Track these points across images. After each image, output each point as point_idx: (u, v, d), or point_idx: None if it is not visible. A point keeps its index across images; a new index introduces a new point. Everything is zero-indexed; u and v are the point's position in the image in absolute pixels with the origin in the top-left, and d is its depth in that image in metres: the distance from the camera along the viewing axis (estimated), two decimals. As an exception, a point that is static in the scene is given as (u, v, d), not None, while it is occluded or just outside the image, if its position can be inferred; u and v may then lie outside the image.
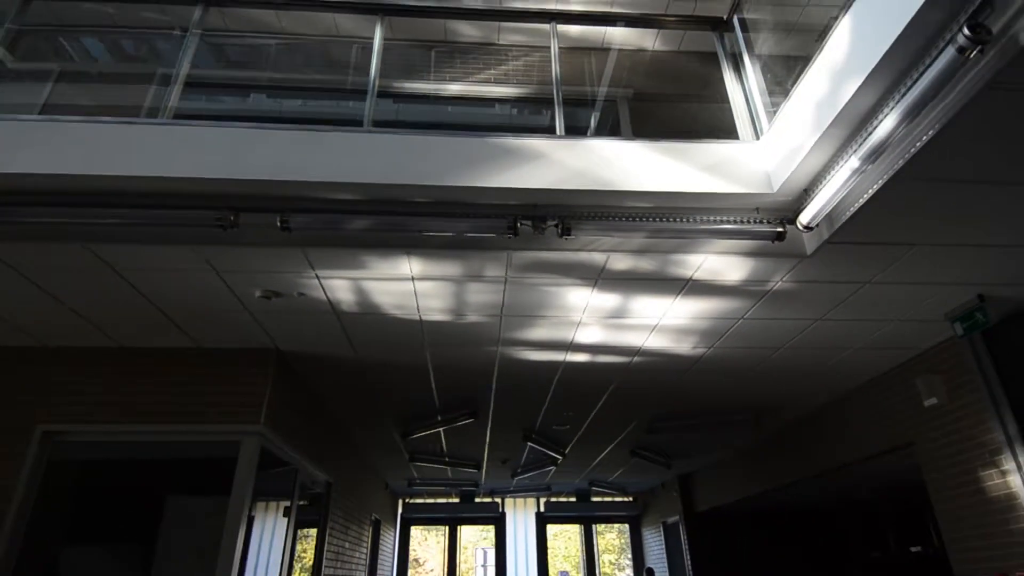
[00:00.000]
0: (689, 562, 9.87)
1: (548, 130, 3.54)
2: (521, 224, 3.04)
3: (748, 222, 3.17)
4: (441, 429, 6.64)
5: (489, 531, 12.89)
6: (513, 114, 4.36)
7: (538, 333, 4.32)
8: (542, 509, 12.88)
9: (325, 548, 6.17)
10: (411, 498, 12.43)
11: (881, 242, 3.16)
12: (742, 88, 3.54)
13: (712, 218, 3.15)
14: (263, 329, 4.12)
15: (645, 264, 3.39)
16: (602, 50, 4.37)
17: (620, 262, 3.36)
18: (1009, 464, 3.87)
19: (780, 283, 3.60)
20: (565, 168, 3.13)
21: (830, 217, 3.05)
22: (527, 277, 3.51)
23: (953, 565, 4.32)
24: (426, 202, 3.11)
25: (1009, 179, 2.69)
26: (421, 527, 13.61)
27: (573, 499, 12.75)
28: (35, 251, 3.13)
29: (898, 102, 2.33)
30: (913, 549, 8.12)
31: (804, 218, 3.05)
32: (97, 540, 4.10)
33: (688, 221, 3.12)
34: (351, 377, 5.10)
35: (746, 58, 3.56)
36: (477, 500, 12.37)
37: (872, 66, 2.32)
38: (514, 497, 12.77)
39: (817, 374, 5.23)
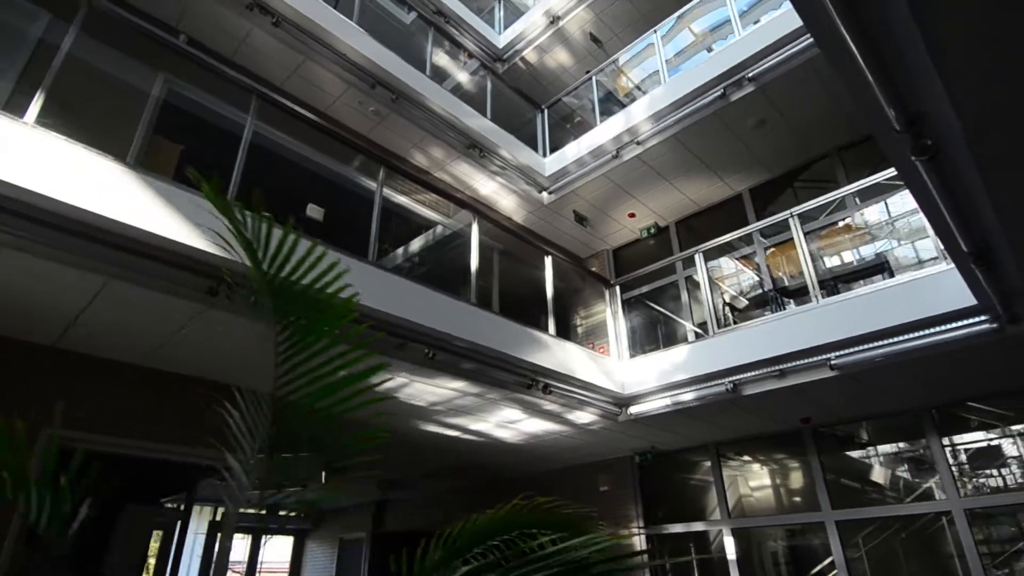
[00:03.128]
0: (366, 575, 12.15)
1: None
2: (532, 382, 5.52)
3: (607, 403, 6.37)
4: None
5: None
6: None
7: (456, 420, 6.52)
8: (217, 518, 13.11)
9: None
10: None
11: (647, 424, 6.78)
12: (615, 329, 6.85)
13: (596, 396, 6.24)
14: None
15: (556, 408, 6.20)
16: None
17: (549, 406, 6.09)
18: (635, 527, 7.97)
19: (596, 427, 6.89)
20: (554, 356, 5.77)
21: (640, 413, 6.50)
22: (500, 400, 5.87)
23: (593, 576, 8.20)
24: (491, 356, 5.26)
25: (699, 418, 6.60)
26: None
27: (264, 512, 13.43)
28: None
29: (694, 392, 5.92)
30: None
31: (632, 411, 6.44)
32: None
33: (589, 397, 6.13)
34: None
35: (619, 311, 6.91)
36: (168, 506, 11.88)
37: (692, 376, 5.86)
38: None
39: (549, 458, 8.75)
